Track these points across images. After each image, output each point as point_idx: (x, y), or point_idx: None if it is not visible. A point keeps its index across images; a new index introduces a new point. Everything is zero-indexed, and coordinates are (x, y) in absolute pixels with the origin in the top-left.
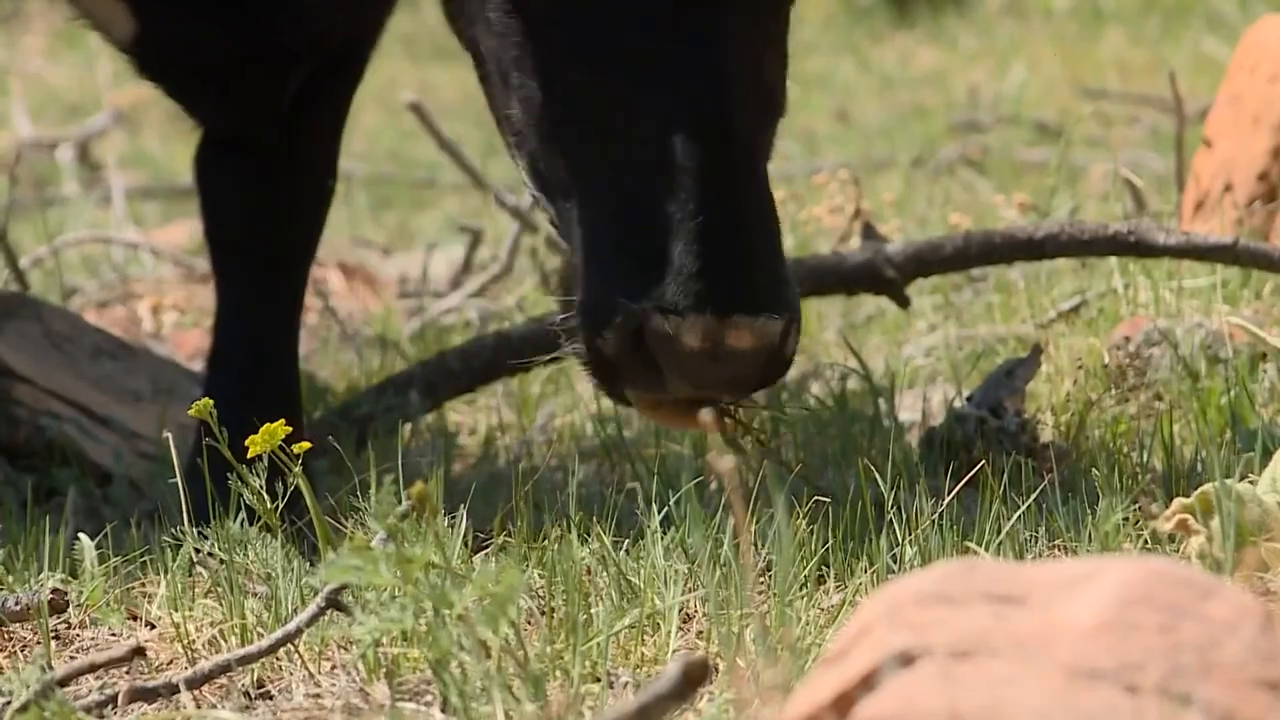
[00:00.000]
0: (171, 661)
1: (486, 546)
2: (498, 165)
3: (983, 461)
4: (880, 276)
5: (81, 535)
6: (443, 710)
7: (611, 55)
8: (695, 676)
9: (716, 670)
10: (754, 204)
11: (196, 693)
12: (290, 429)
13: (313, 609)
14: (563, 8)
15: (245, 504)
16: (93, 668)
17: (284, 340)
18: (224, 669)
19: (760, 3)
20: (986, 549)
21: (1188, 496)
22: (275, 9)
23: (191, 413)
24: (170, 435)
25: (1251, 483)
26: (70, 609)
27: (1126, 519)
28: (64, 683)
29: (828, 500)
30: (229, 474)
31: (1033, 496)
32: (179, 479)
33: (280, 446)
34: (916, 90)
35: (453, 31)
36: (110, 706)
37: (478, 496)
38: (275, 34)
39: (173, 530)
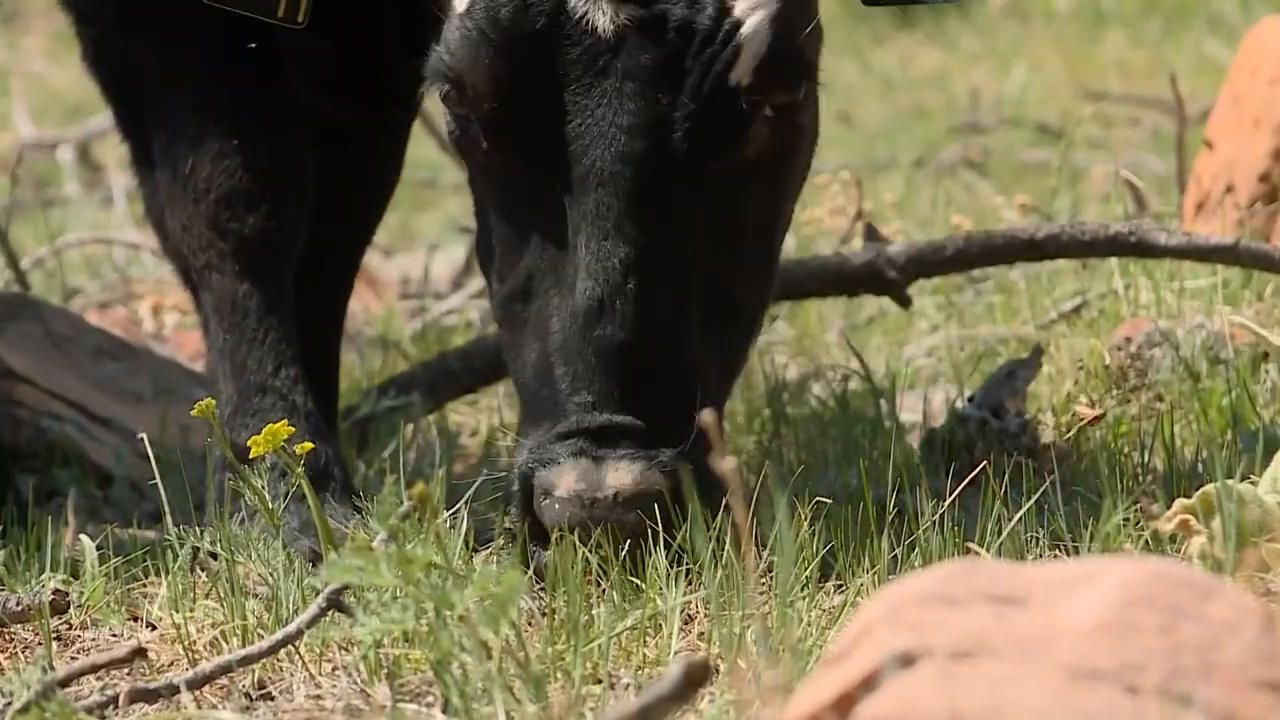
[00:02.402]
0: (173, 662)
1: (488, 547)
2: None
3: (984, 462)
4: (882, 277)
5: (82, 536)
6: (444, 711)
7: (524, 227)
8: (696, 677)
9: (718, 671)
10: (644, 357)
11: (197, 693)
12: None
13: (314, 610)
14: (485, 185)
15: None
16: (94, 668)
17: (330, 329)
18: (225, 670)
19: (689, 189)
20: (987, 550)
21: (1189, 497)
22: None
23: (194, 413)
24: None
25: (1252, 483)
26: (71, 610)
27: (1127, 520)
28: (65, 683)
29: (829, 501)
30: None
31: (1034, 497)
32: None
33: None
34: (918, 92)
35: None
36: (111, 707)
37: (479, 497)
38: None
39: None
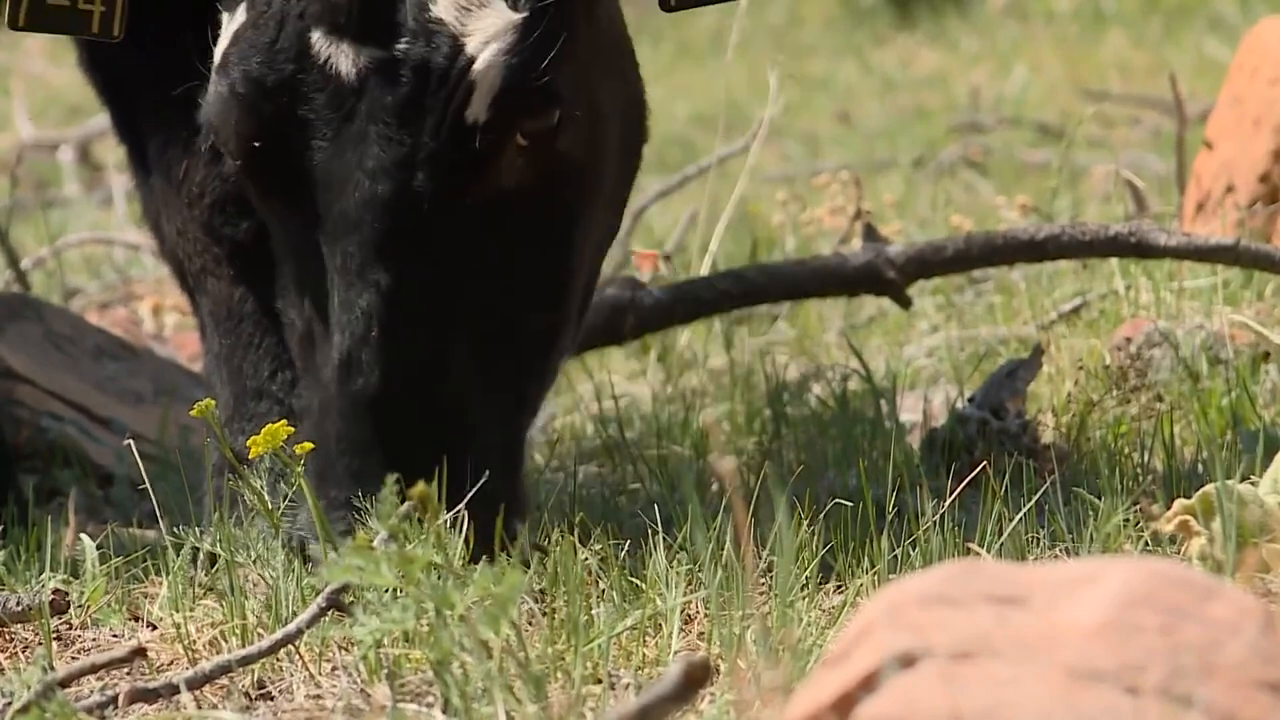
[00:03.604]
0: (172, 662)
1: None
2: None
3: (984, 463)
4: (882, 278)
5: (83, 536)
6: (444, 711)
7: (298, 274)
8: (696, 678)
9: (718, 671)
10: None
11: (197, 693)
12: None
13: (314, 609)
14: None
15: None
16: (94, 668)
17: None
18: (225, 669)
19: (441, 230)
20: (988, 550)
21: (1189, 498)
22: None
23: (193, 413)
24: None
25: (1253, 484)
26: (71, 610)
27: (1128, 520)
28: (65, 683)
29: (834, 500)
30: None
31: (1034, 498)
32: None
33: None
34: (918, 92)
35: None
36: (111, 707)
37: None
38: None
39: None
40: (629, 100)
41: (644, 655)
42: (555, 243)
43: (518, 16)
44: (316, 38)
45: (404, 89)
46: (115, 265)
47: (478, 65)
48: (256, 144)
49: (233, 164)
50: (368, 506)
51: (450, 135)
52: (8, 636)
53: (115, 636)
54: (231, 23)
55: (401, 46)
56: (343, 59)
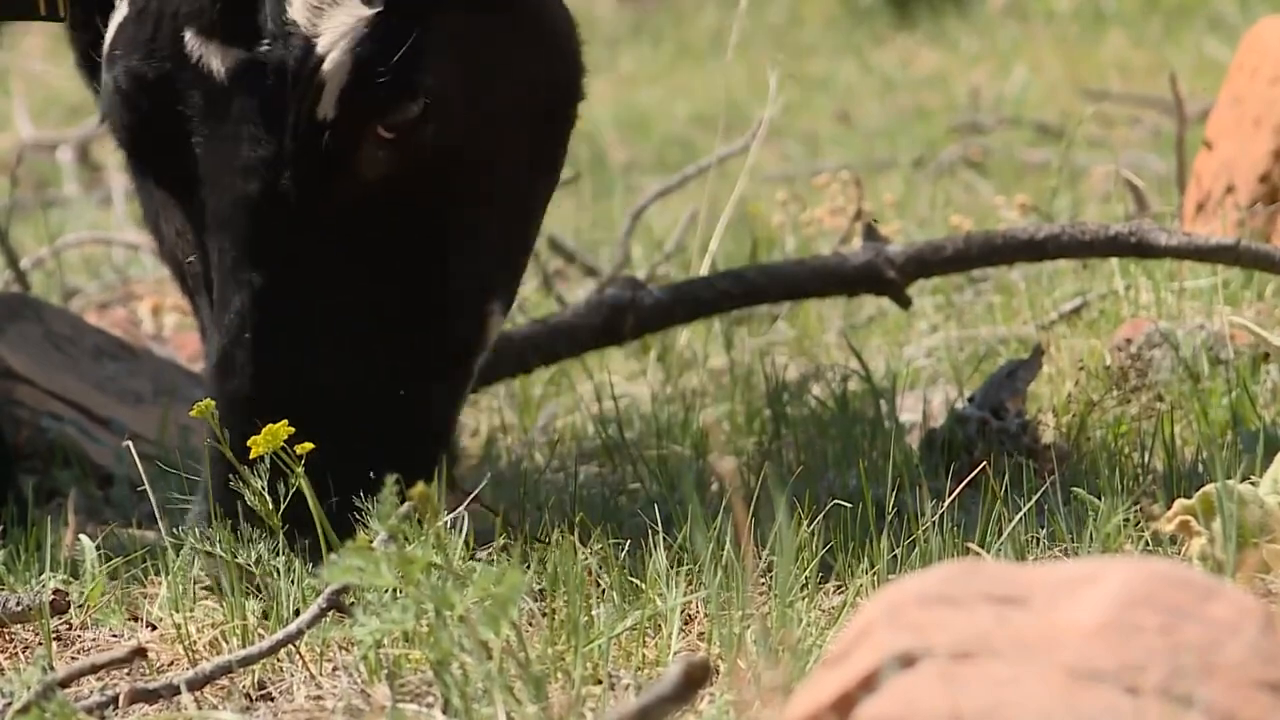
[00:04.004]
0: (173, 662)
1: (488, 547)
2: None
3: (984, 463)
4: (881, 277)
5: (82, 536)
6: (444, 711)
7: (195, 270)
8: (696, 678)
9: (718, 672)
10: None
11: (198, 694)
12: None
13: (314, 610)
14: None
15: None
16: (94, 669)
17: None
18: (225, 670)
19: (308, 228)
20: (988, 550)
21: (1189, 498)
22: None
23: (193, 413)
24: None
25: (1253, 484)
26: (71, 610)
27: (1128, 520)
28: (65, 684)
29: (829, 501)
30: None
31: (1034, 498)
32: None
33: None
34: (918, 92)
35: None
36: (111, 707)
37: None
38: None
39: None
40: (548, 92)
41: (644, 655)
42: (439, 236)
43: (369, 12)
44: (189, 37)
45: (267, 90)
46: (115, 265)
47: (326, 64)
48: (141, 138)
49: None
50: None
51: (306, 134)
52: (8, 637)
53: (115, 637)
54: (116, 14)
55: (263, 49)
56: (213, 59)
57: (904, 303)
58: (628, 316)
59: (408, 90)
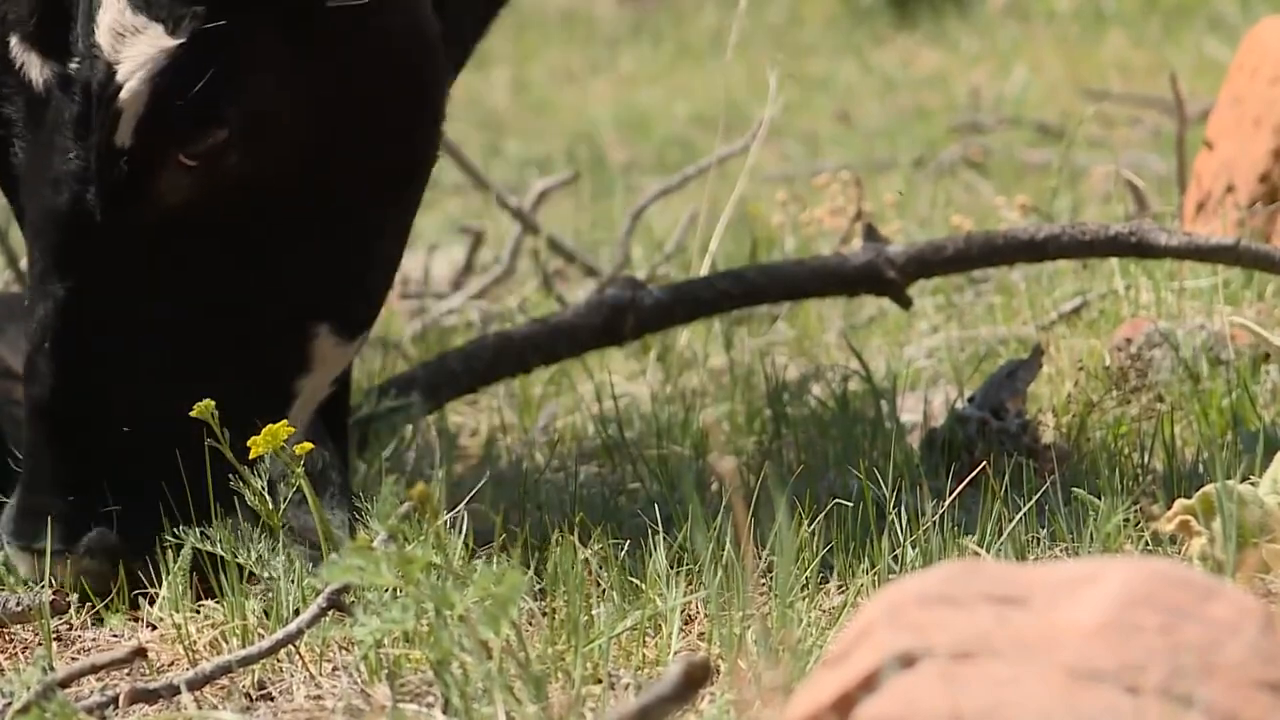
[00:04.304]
0: (173, 662)
1: (488, 547)
2: (499, 166)
3: (984, 463)
4: (882, 278)
5: None
6: (444, 711)
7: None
8: (696, 678)
9: (718, 671)
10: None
11: (198, 694)
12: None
13: (314, 610)
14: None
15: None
16: (94, 669)
17: None
18: (225, 670)
19: (111, 245)
20: (988, 550)
21: (1189, 498)
22: None
23: (193, 413)
24: None
25: (1253, 484)
26: (72, 610)
27: (1128, 520)
28: (65, 684)
29: (829, 501)
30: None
31: (1034, 498)
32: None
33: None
34: (918, 92)
35: None
36: (112, 707)
37: (479, 498)
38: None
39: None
40: (391, 116)
41: (644, 655)
42: (248, 258)
43: (171, 43)
44: (15, 43)
45: (76, 106)
46: None
47: (124, 92)
48: None
49: None
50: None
51: (106, 157)
52: (8, 637)
53: (115, 637)
54: None
55: (74, 66)
56: (33, 68)
57: (904, 303)
58: (628, 316)
59: (209, 120)
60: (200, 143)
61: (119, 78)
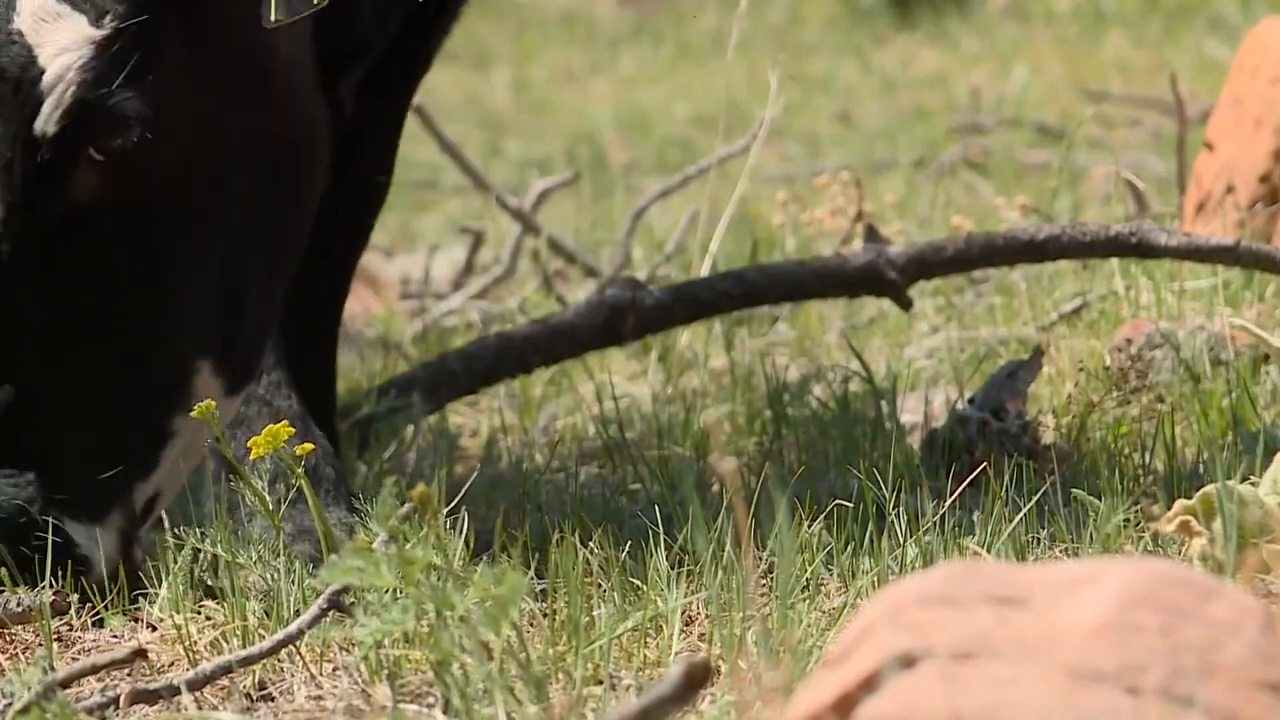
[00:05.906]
0: (173, 663)
1: (488, 548)
2: (499, 167)
3: (984, 463)
4: (882, 278)
5: None
6: (445, 712)
7: None
8: (697, 678)
9: (718, 672)
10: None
11: (198, 694)
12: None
13: (314, 610)
14: None
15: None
16: (95, 669)
17: (325, 331)
18: (225, 670)
19: (23, 238)
20: (988, 550)
21: (1189, 498)
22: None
23: (194, 414)
24: None
25: (1253, 484)
26: (72, 611)
27: (1128, 521)
28: (66, 684)
29: (830, 502)
30: None
31: (1034, 498)
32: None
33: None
34: (918, 92)
35: None
36: (112, 708)
37: (479, 498)
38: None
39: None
40: (276, 158)
41: (645, 656)
42: (140, 279)
43: (96, 33)
44: None
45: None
46: None
47: (46, 79)
48: None
49: None
50: None
51: (22, 147)
52: (8, 637)
53: (115, 637)
54: None
55: None
56: None
57: (905, 304)
58: (628, 317)
59: (124, 118)
60: (112, 139)
61: (40, 63)
